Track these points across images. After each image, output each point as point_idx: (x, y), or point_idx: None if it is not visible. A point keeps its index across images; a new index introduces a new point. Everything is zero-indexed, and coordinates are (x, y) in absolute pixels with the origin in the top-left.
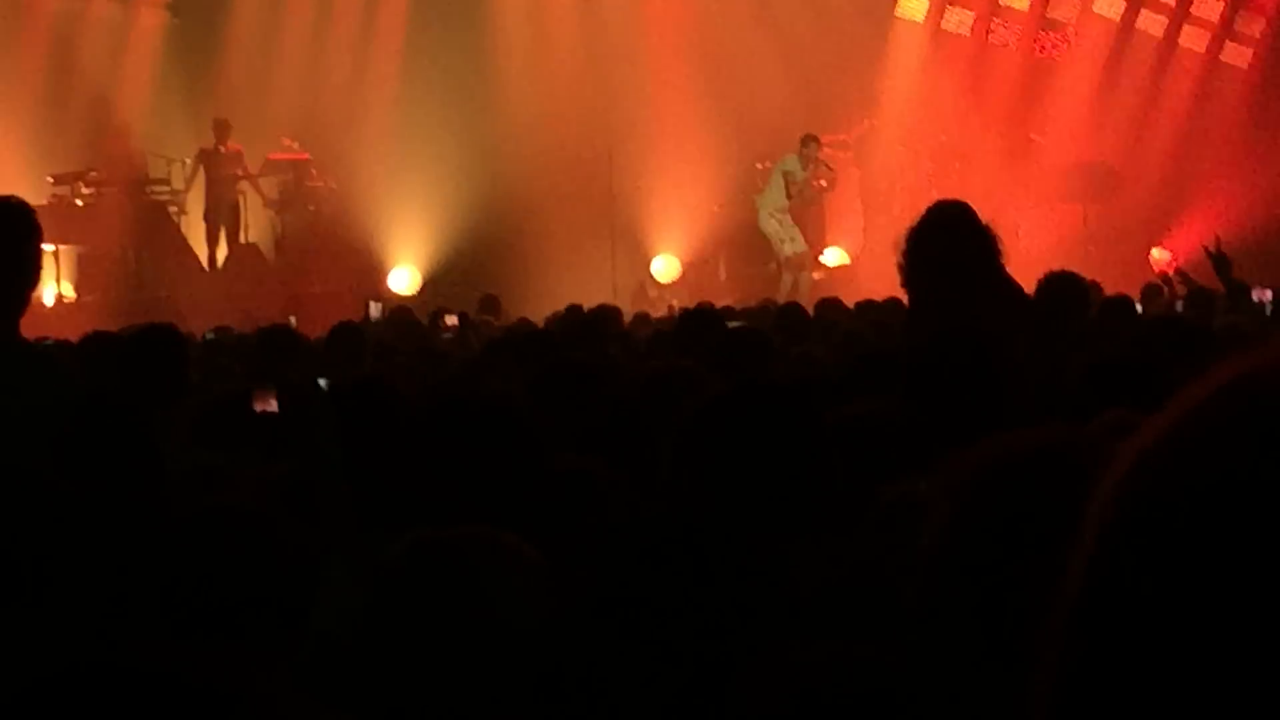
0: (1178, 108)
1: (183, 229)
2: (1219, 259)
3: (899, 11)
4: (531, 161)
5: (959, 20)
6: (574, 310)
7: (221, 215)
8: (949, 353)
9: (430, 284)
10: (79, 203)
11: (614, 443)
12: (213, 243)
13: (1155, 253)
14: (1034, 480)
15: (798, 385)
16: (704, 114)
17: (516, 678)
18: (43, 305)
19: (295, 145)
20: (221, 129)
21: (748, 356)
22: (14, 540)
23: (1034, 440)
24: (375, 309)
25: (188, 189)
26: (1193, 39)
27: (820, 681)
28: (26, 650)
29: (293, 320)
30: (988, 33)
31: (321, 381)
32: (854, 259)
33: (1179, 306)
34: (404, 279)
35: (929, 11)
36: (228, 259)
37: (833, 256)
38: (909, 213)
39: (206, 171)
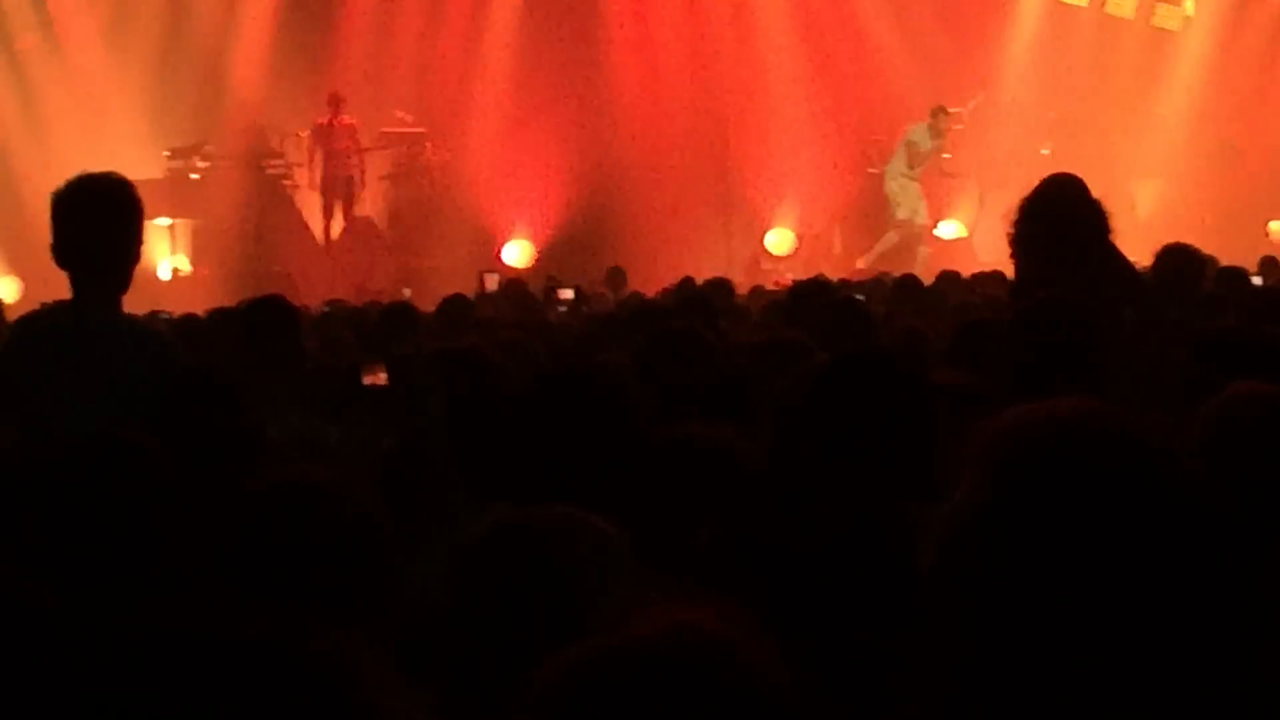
0: None
1: (297, 203)
2: None
3: None
4: (645, 134)
5: None
6: (686, 283)
7: (336, 189)
8: (1048, 322)
9: (544, 257)
10: (194, 177)
11: (719, 413)
12: (328, 216)
13: (1273, 225)
14: (1061, 450)
15: (899, 354)
16: (820, 86)
17: None
18: (158, 279)
19: (410, 118)
20: (335, 103)
21: (855, 328)
22: (118, 511)
23: (1063, 410)
24: (491, 281)
25: (303, 163)
26: None
27: None
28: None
29: (407, 293)
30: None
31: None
32: (970, 231)
33: None
34: (518, 252)
35: None
36: (342, 232)
37: (948, 230)
38: (1024, 186)
39: (321, 145)
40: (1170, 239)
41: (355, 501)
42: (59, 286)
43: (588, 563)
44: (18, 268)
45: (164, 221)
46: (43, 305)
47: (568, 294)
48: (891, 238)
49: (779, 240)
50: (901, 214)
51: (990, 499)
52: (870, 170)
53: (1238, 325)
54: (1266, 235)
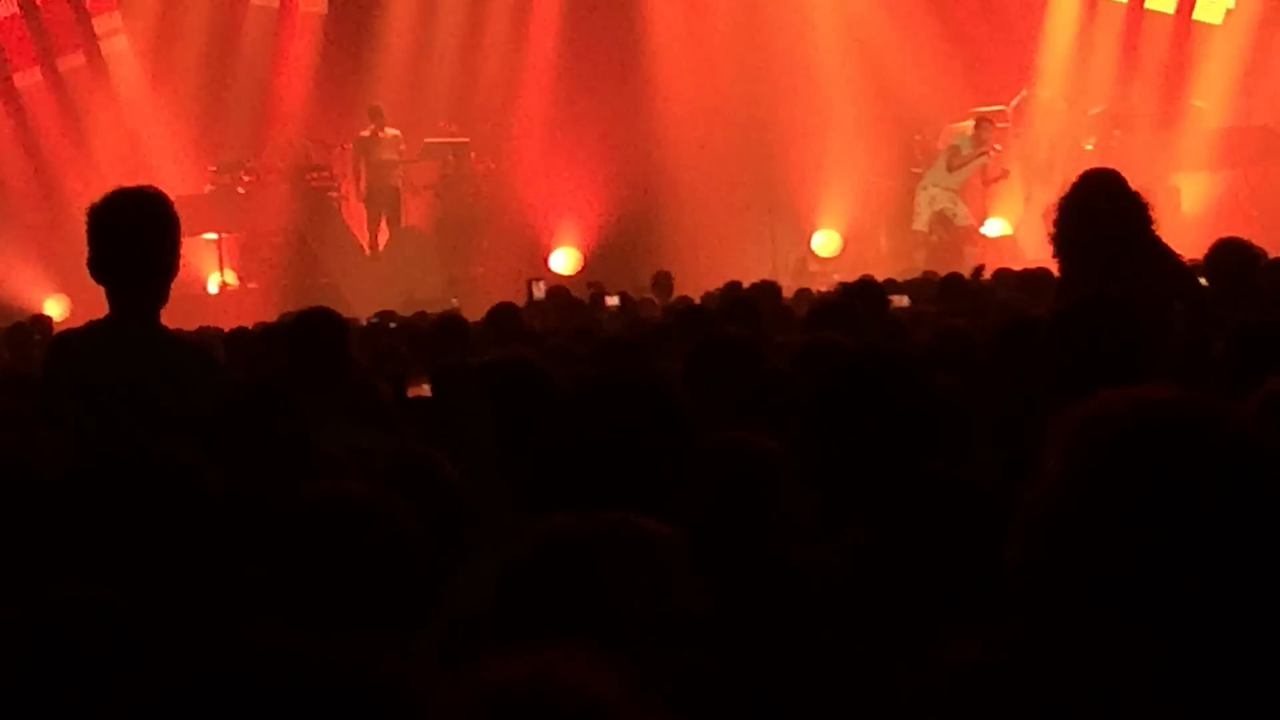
0: None
1: (343, 214)
2: None
3: None
4: (690, 138)
5: None
6: (732, 286)
7: (381, 200)
8: (1089, 320)
9: (591, 263)
10: (241, 191)
11: (766, 415)
12: (373, 227)
13: None
14: (1147, 434)
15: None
16: (862, 86)
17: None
18: (206, 294)
19: (453, 128)
20: (377, 114)
21: (903, 331)
22: (166, 530)
23: (1145, 399)
24: (539, 289)
25: (347, 175)
26: None
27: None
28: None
29: (454, 302)
30: None
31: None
32: (1015, 229)
33: None
34: (565, 259)
35: None
36: (388, 243)
37: (994, 227)
38: (1069, 181)
39: (364, 157)
40: (1215, 233)
41: (393, 518)
42: (106, 305)
43: (645, 567)
44: (65, 286)
45: (211, 236)
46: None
47: (614, 300)
48: (919, 258)
49: (826, 241)
50: (918, 225)
51: (1076, 486)
52: (914, 170)
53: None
54: None
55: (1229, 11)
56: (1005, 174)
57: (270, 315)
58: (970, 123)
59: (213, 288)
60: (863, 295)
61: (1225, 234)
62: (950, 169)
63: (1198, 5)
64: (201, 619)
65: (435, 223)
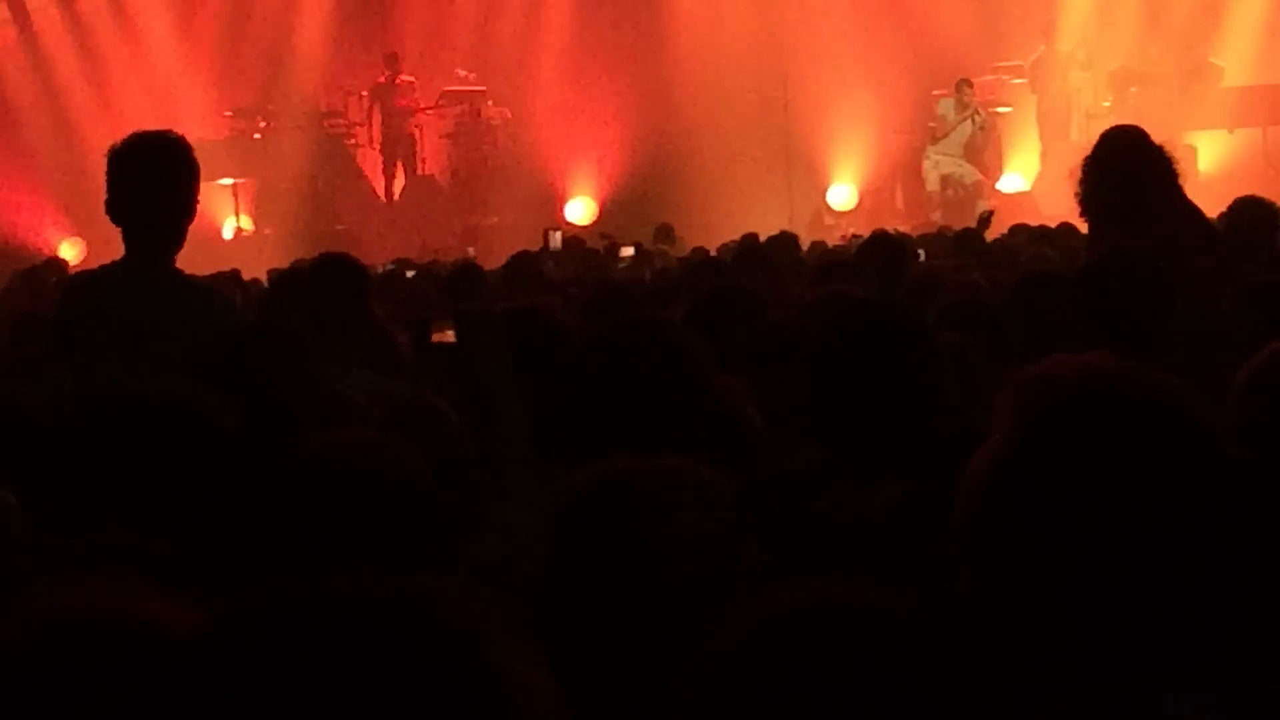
0: None
1: (359, 161)
2: None
3: None
4: (707, 91)
5: None
6: (749, 239)
7: (397, 148)
8: (1116, 277)
9: (608, 213)
10: (257, 136)
11: (773, 367)
12: (389, 175)
13: None
14: (1083, 403)
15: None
16: (880, 40)
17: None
18: (221, 238)
19: (470, 76)
20: (393, 62)
21: (924, 285)
22: (182, 471)
23: (1090, 365)
24: (555, 239)
25: (363, 122)
26: None
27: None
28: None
29: (471, 251)
30: None
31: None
32: (1032, 185)
33: None
34: (581, 209)
35: None
36: (404, 191)
37: (1010, 183)
38: (1086, 138)
39: (381, 104)
40: (1232, 192)
41: (402, 465)
42: (121, 248)
43: (695, 511)
44: (81, 230)
45: (227, 181)
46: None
47: (629, 251)
48: (935, 215)
49: (842, 195)
50: (930, 186)
51: (1013, 450)
52: (930, 124)
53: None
54: None
55: None
56: (986, 122)
57: (285, 261)
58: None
59: (228, 233)
60: (879, 249)
61: (1242, 193)
62: (936, 139)
63: None
64: (219, 561)
65: (451, 171)
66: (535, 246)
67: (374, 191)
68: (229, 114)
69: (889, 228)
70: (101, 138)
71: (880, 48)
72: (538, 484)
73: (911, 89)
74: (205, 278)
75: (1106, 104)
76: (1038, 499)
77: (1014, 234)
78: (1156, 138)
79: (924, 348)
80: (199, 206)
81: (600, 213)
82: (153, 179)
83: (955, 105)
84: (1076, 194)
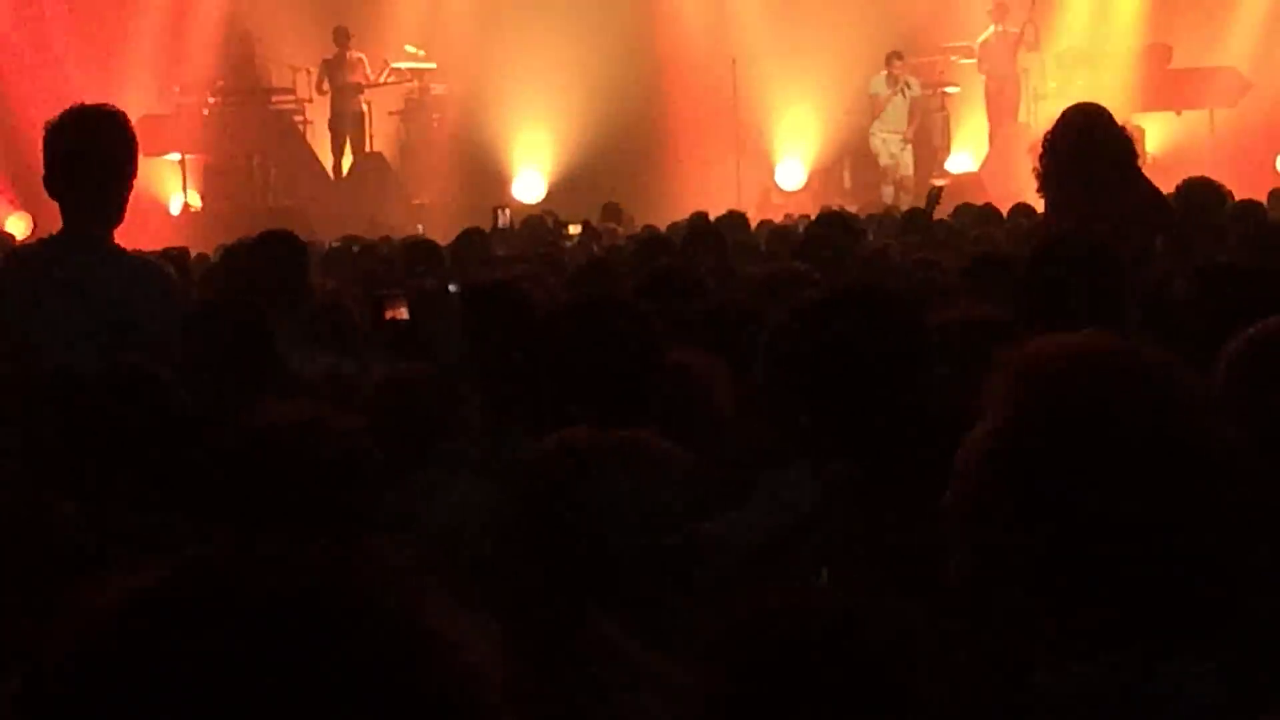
0: None
1: (307, 138)
2: None
3: None
4: (656, 68)
5: None
6: (698, 217)
7: (346, 124)
8: (1067, 257)
9: (557, 191)
10: (205, 112)
11: (722, 344)
12: (338, 152)
13: None
14: (1078, 383)
15: (896, 290)
16: (829, 20)
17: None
18: (169, 214)
19: (420, 53)
20: (341, 37)
21: (866, 264)
22: (132, 440)
23: (1083, 344)
24: (504, 217)
25: (312, 98)
26: None
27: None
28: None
29: (420, 228)
30: None
31: (451, 287)
32: (980, 166)
33: None
34: (530, 187)
35: None
36: (353, 167)
37: (958, 163)
38: (1034, 119)
39: (330, 80)
40: (1179, 174)
41: (348, 437)
42: None
43: (651, 482)
44: (27, 204)
45: (174, 157)
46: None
47: (576, 228)
48: (888, 192)
49: (790, 175)
50: (884, 160)
51: (1008, 431)
52: (869, 97)
53: (1242, 258)
54: (1276, 169)
55: None
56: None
57: (232, 238)
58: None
59: (175, 209)
60: (828, 228)
61: (1189, 175)
62: (875, 115)
63: None
64: (163, 532)
65: (400, 148)
66: (482, 224)
67: (323, 168)
68: (176, 89)
69: (837, 206)
70: (46, 112)
71: (830, 27)
72: (491, 456)
73: (860, 68)
74: (153, 253)
75: (1053, 85)
76: (1032, 475)
77: (960, 214)
78: None
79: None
80: (147, 182)
81: (550, 190)
82: (90, 152)
83: (885, 80)
84: (1035, 170)
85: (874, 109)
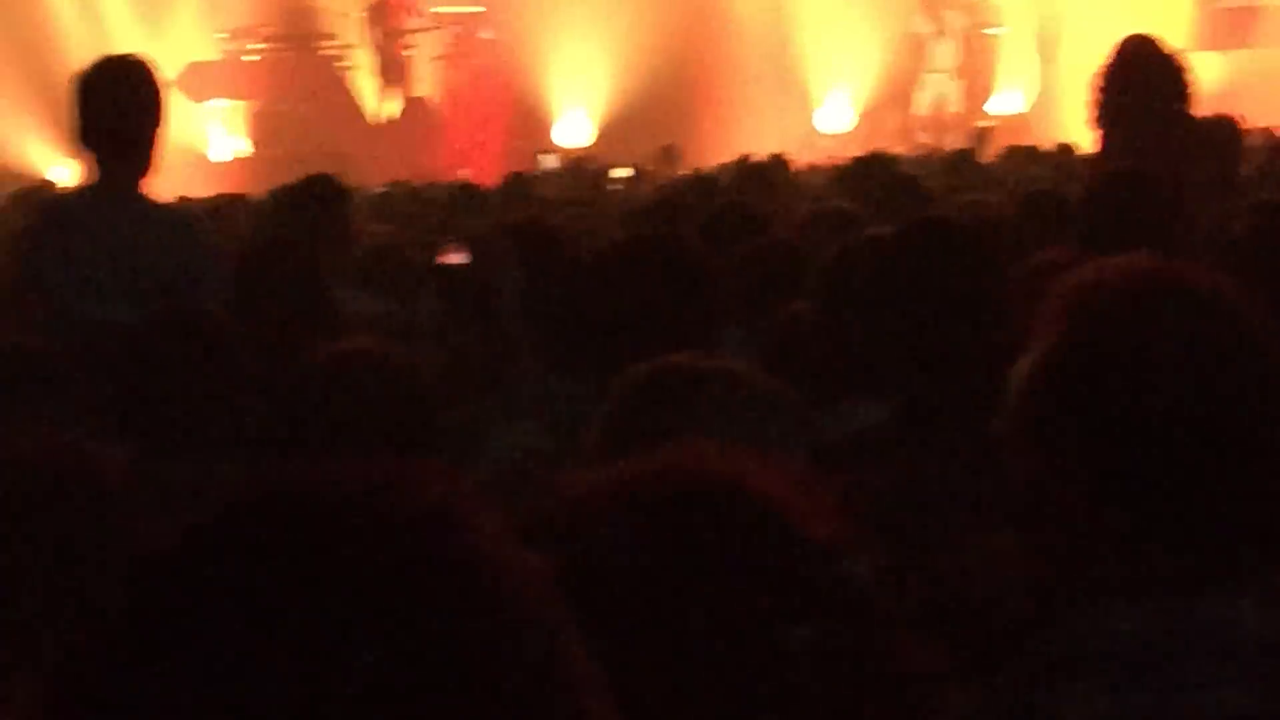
0: None
1: (353, 84)
2: None
3: None
4: (700, 11)
5: None
6: (744, 160)
7: (391, 69)
8: (1126, 193)
9: (601, 136)
10: (251, 59)
11: (775, 285)
12: (383, 97)
13: None
14: (1131, 303)
15: (967, 225)
16: None
17: None
18: (215, 161)
19: None
20: None
21: (914, 203)
22: (196, 386)
23: (1136, 266)
24: (548, 160)
25: (357, 44)
26: None
27: None
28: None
29: (465, 174)
30: None
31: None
32: (1028, 107)
33: None
34: (575, 131)
35: None
36: (398, 113)
37: (1005, 104)
38: (1084, 57)
39: (375, 25)
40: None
41: (411, 370)
42: None
43: (758, 414)
44: (72, 152)
45: (220, 104)
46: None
47: (621, 172)
48: (925, 137)
49: (836, 117)
50: (928, 101)
51: (1060, 352)
52: (912, 37)
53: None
54: None
55: None
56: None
57: (277, 184)
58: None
59: (222, 156)
60: (872, 169)
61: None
62: (917, 55)
63: None
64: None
65: (445, 94)
66: (527, 168)
67: (367, 114)
68: (222, 36)
69: (883, 149)
70: (91, 60)
71: None
72: (547, 402)
73: (909, 10)
74: (201, 200)
75: (1102, 23)
76: (1087, 396)
77: (1009, 156)
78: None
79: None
80: (193, 129)
81: (593, 135)
82: (120, 103)
83: (927, 21)
84: (1090, 103)
85: (916, 48)
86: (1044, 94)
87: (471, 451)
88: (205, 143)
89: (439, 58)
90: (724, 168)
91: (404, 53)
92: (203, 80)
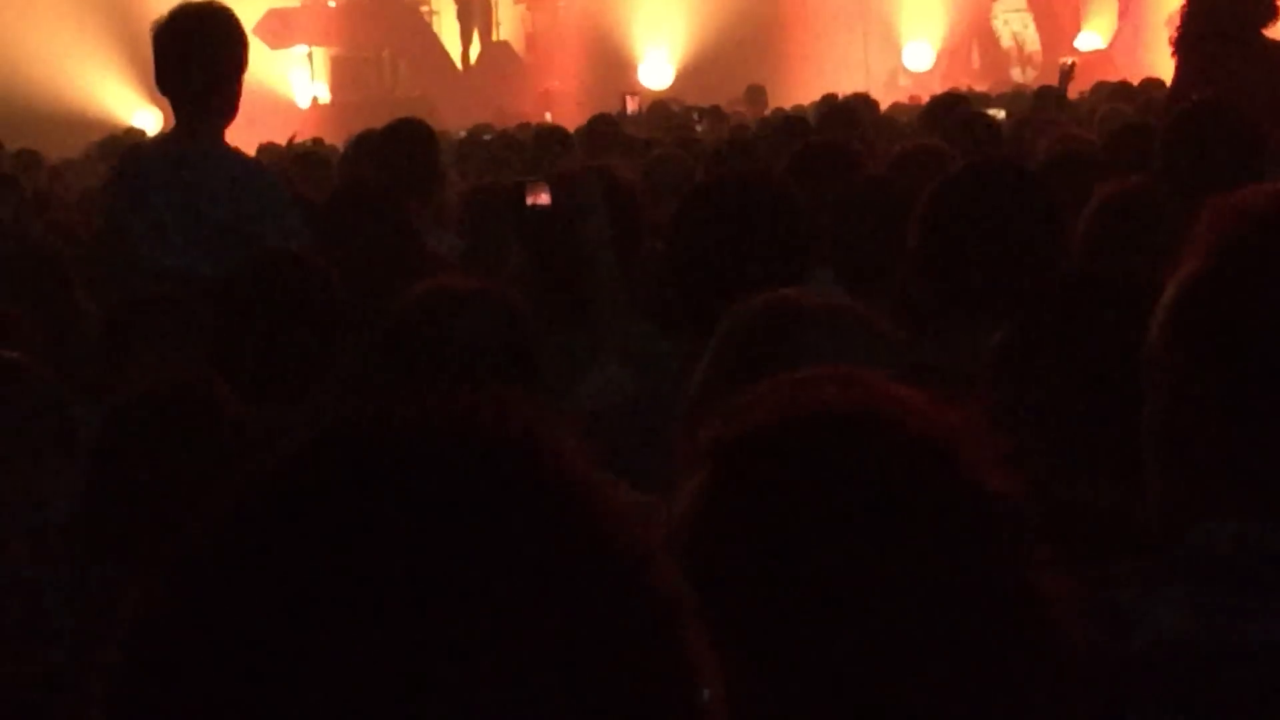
0: None
1: (435, 28)
2: None
3: None
4: None
5: None
6: (829, 98)
7: (472, 14)
8: (1207, 124)
9: (682, 77)
10: (333, 4)
11: (865, 221)
12: (465, 42)
13: None
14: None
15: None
16: None
17: None
18: (297, 107)
19: None
20: None
21: (994, 140)
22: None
23: None
24: (632, 103)
25: None
26: None
27: None
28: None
29: (548, 116)
30: None
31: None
32: (1109, 43)
33: None
34: (657, 72)
35: None
36: (480, 57)
37: (1086, 41)
38: None
39: None
40: None
41: (510, 308)
42: None
43: (866, 352)
44: (156, 99)
45: (302, 50)
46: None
47: (706, 113)
48: (1018, 71)
49: (918, 56)
50: (1005, 40)
51: (1209, 275)
52: None
53: None
54: None
55: None
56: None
57: (357, 130)
58: None
59: (304, 102)
60: (952, 108)
61: None
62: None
63: None
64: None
65: (526, 37)
66: (610, 110)
67: (450, 58)
68: None
69: (965, 87)
70: (171, 7)
71: None
72: (635, 345)
73: None
74: (284, 146)
75: None
76: (1232, 323)
77: (1095, 91)
78: None
79: (1033, 197)
80: (275, 76)
81: (676, 76)
82: (197, 50)
83: None
84: (1171, 39)
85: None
86: (1126, 29)
87: (560, 393)
88: (288, 88)
89: (520, 1)
90: (811, 106)
91: None
92: (283, 26)
